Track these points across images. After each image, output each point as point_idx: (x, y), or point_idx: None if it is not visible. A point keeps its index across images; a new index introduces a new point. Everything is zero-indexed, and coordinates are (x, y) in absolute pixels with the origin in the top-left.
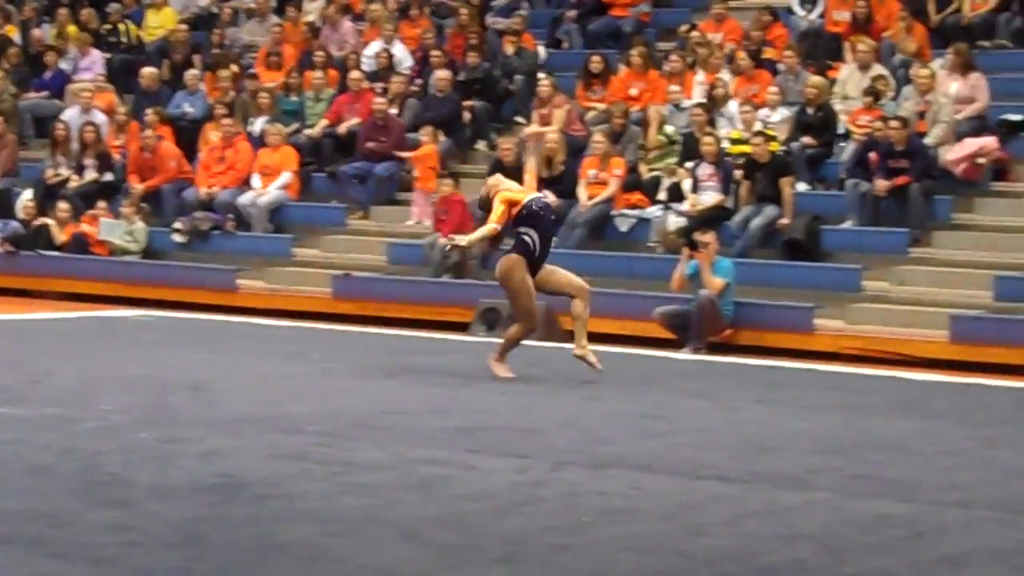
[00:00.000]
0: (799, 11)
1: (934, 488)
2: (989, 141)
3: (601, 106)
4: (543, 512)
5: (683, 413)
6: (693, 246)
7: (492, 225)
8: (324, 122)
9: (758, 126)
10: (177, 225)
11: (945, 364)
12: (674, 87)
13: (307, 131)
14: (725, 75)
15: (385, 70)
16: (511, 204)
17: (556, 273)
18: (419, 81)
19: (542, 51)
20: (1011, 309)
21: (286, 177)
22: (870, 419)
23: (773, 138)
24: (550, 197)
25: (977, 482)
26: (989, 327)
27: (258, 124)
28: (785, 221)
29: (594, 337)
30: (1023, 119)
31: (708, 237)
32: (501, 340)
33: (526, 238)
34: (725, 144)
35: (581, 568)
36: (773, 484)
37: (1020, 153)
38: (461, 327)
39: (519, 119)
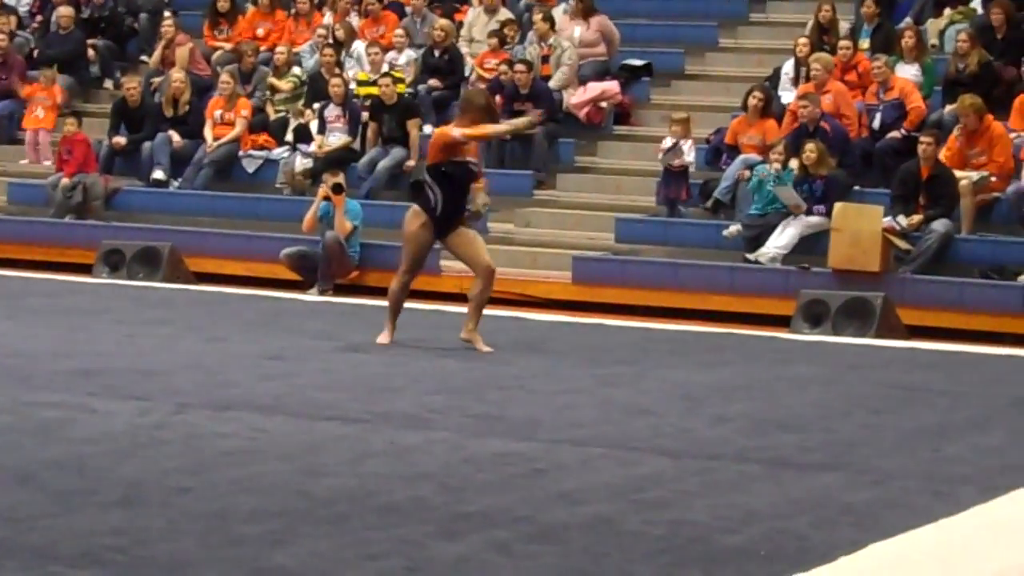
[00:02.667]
0: None
1: (553, 427)
2: (611, 85)
3: (228, 46)
4: (164, 455)
5: (307, 355)
6: (338, 189)
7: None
8: None
9: (385, 68)
10: None
11: (567, 305)
12: (302, 28)
13: None
14: (353, 17)
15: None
16: (459, 143)
17: (472, 245)
18: (40, 18)
19: None
20: (630, 250)
21: None
22: (491, 359)
23: (400, 80)
24: (477, 167)
25: (595, 420)
26: (610, 268)
27: None
28: (411, 163)
29: (221, 279)
30: (645, 64)
31: (340, 178)
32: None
33: (429, 193)
34: (352, 86)
35: (201, 510)
36: (394, 424)
37: (641, 97)
38: (84, 268)
39: (144, 58)
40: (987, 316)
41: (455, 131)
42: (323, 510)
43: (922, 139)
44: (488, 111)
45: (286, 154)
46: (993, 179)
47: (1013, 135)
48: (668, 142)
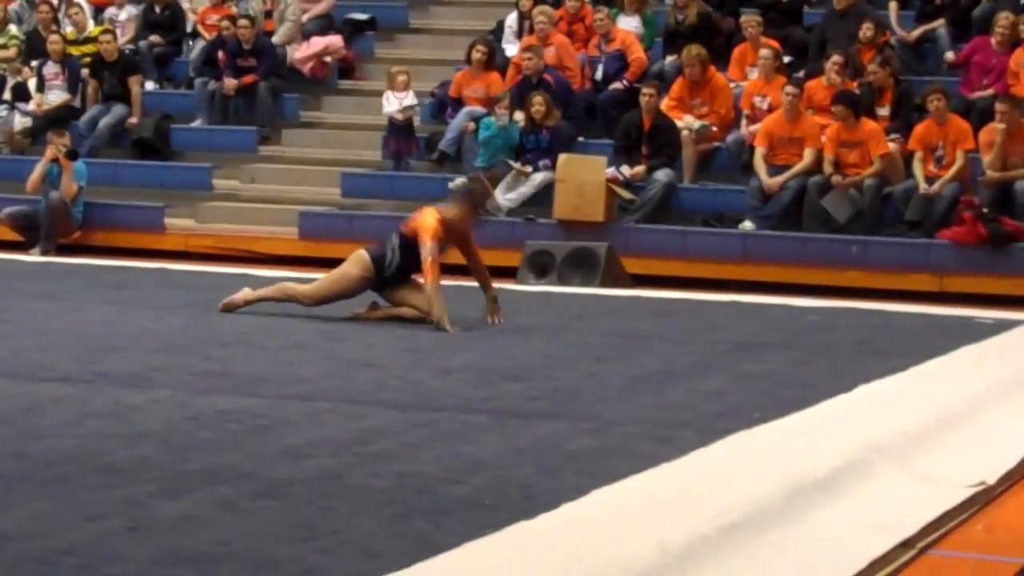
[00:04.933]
0: None
1: (278, 382)
2: (335, 40)
3: None
4: None
5: (27, 315)
6: (73, 156)
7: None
8: None
9: (92, 25)
10: None
11: (294, 260)
12: None
13: None
14: None
15: None
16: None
17: (418, 290)
18: None
19: None
20: (356, 205)
21: None
22: (215, 316)
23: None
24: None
25: (320, 375)
26: (336, 223)
27: None
28: (134, 120)
29: None
30: (368, 18)
31: (67, 140)
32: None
33: (389, 254)
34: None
35: None
36: (116, 384)
37: (365, 51)
38: None
39: None
40: (709, 263)
41: (429, 241)
42: (43, 472)
43: (644, 90)
44: (479, 206)
45: (4, 113)
46: (714, 129)
47: (732, 85)
48: (399, 97)
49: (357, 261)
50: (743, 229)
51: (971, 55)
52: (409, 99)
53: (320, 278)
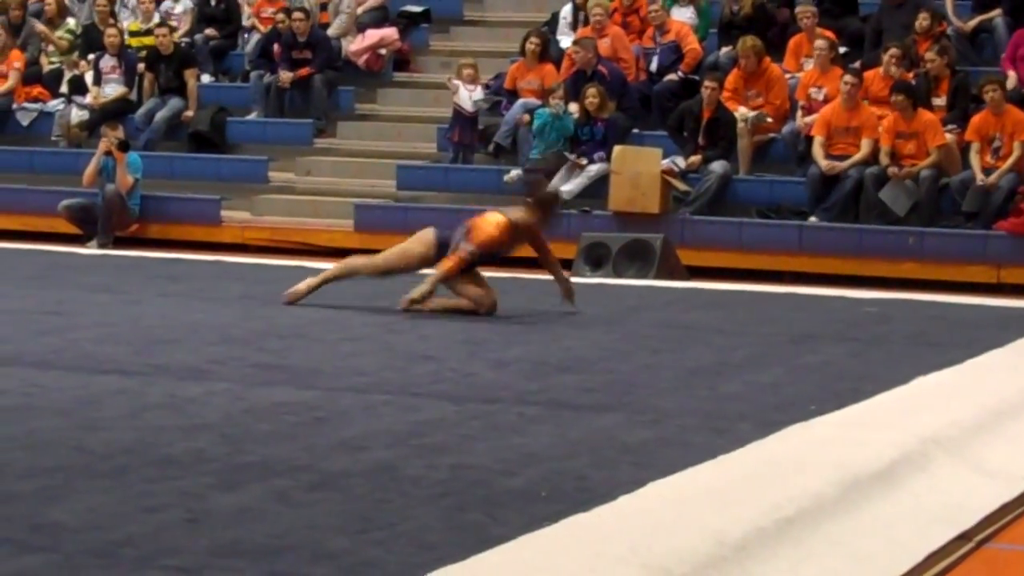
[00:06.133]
0: None
1: (334, 374)
2: (390, 32)
3: None
4: None
5: (84, 308)
6: (124, 147)
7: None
8: None
9: (156, 18)
10: None
11: (350, 253)
12: None
13: None
14: None
15: None
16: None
17: (481, 282)
18: None
19: None
20: (412, 197)
21: None
22: (272, 308)
23: (174, 28)
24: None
25: (376, 367)
26: (391, 215)
27: None
28: (190, 113)
29: None
30: (423, 10)
31: (119, 132)
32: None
33: (453, 241)
34: (127, 36)
35: None
36: (173, 376)
37: (420, 44)
38: None
39: None
40: (765, 255)
41: (475, 247)
42: (100, 464)
43: (706, 83)
44: (551, 211)
45: (61, 106)
46: (769, 120)
47: (788, 76)
48: (470, 89)
49: (422, 240)
50: (810, 223)
51: (1017, 48)
52: (479, 92)
53: (383, 251)
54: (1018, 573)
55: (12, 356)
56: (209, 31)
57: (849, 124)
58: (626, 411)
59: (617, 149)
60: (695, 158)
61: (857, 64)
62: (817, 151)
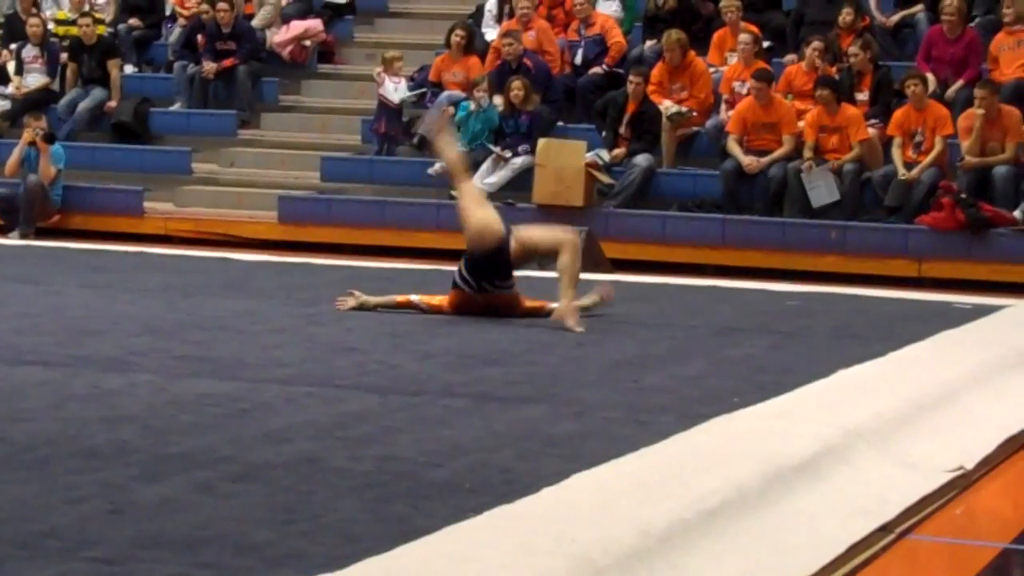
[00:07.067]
0: None
1: (257, 366)
2: (314, 24)
3: None
4: None
5: (5, 298)
6: (50, 140)
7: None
8: None
9: (85, 7)
10: None
11: (274, 244)
12: None
13: None
14: None
15: None
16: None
17: (546, 229)
18: None
19: None
20: (336, 189)
21: None
22: (195, 300)
23: (100, 20)
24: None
25: (300, 359)
26: (316, 207)
27: None
28: (113, 104)
29: None
30: (347, 2)
31: (43, 123)
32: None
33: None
34: (51, 25)
35: None
36: (96, 367)
37: (344, 35)
38: None
39: None
40: (688, 248)
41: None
42: (23, 455)
43: (631, 77)
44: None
45: None
46: (694, 114)
47: (712, 70)
48: (395, 82)
49: (476, 199)
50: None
51: (930, 48)
52: (403, 84)
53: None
54: (938, 564)
55: None
56: (132, 21)
57: (766, 120)
58: (551, 403)
59: (542, 142)
60: (619, 151)
61: (785, 59)
62: (732, 147)
